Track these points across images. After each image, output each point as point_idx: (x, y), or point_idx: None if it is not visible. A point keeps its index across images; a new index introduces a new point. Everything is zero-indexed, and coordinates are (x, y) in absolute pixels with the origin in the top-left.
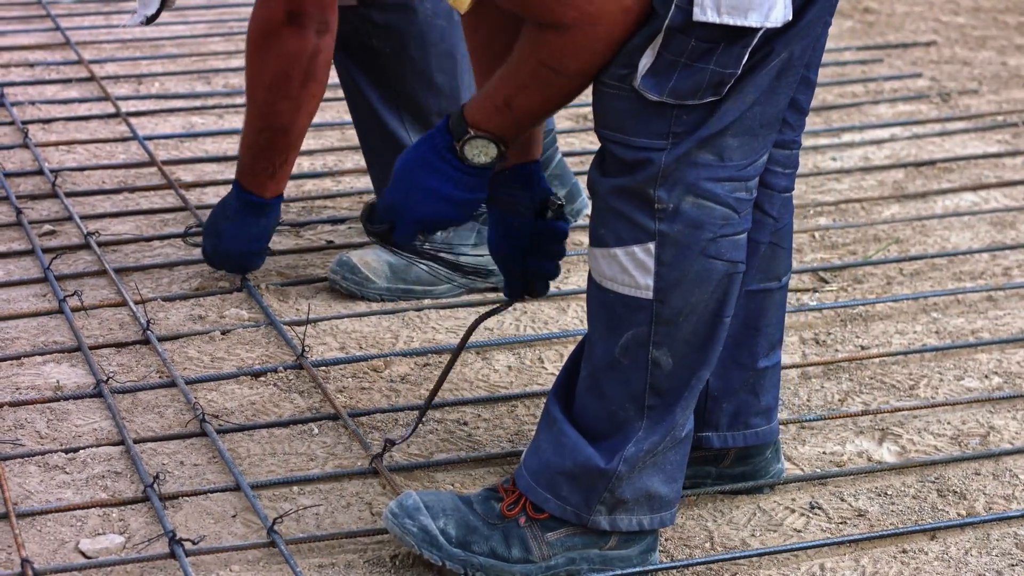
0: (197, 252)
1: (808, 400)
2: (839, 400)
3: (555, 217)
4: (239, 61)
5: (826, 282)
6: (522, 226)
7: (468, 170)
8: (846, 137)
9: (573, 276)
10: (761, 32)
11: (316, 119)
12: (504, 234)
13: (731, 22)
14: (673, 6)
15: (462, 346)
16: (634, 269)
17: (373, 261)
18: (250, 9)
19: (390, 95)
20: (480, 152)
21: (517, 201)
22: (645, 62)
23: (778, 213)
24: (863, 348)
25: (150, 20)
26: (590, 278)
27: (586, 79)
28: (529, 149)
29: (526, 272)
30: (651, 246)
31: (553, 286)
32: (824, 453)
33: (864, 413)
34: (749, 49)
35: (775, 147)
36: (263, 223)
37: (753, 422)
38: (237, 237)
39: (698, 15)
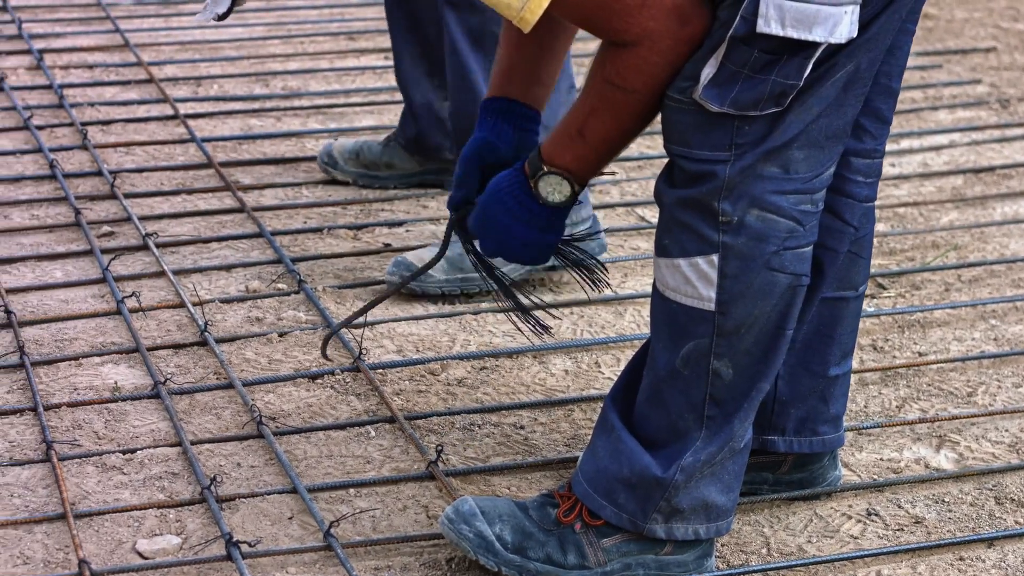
0: (255, 254)
1: (865, 406)
2: (896, 407)
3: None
4: (297, 63)
5: (884, 288)
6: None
7: (541, 210)
8: (905, 143)
9: (630, 280)
10: (824, 45)
11: (373, 122)
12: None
13: (795, 36)
14: (738, 17)
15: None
16: (697, 280)
17: (429, 258)
18: (308, 12)
19: None
20: (553, 190)
21: (497, 141)
22: (707, 72)
23: (859, 223)
24: (921, 355)
25: (221, 18)
26: (654, 288)
27: (653, 97)
28: (534, 90)
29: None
30: (715, 258)
31: (609, 290)
32: (881, 460)
33: (922, 420)
34: (811, 61)
35: (856, 156)
36: None
37: (821, 429)
38: None
39: (762, 27)
